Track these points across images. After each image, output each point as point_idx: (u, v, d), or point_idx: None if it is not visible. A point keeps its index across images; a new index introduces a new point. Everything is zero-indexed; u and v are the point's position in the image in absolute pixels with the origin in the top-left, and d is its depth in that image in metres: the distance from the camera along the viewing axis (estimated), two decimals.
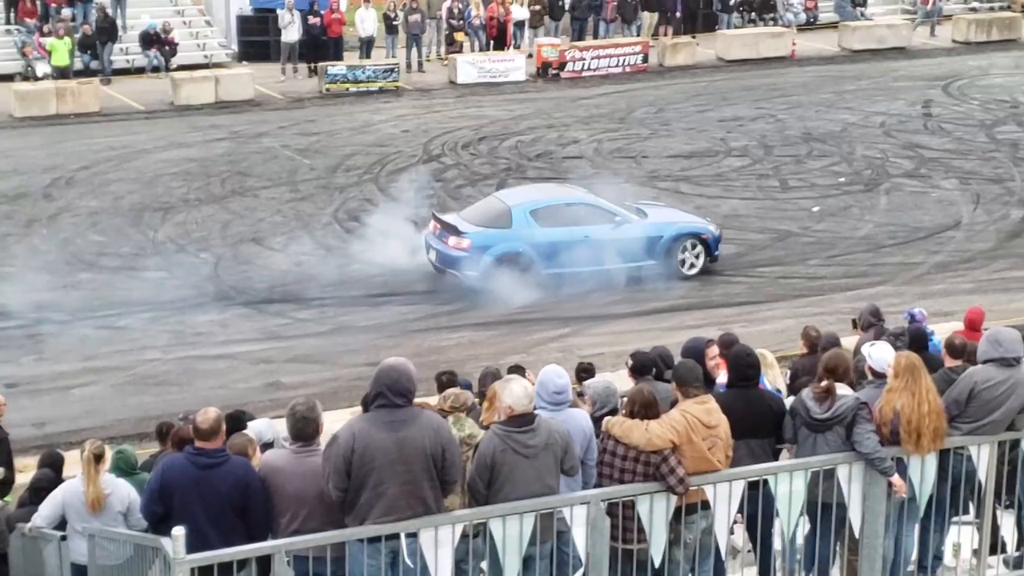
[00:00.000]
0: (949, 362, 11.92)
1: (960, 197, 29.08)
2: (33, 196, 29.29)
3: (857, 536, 10.52)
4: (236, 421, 11.97)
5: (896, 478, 10.35)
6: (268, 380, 20.46)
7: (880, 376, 10.80)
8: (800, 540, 10.79)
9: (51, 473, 13.17)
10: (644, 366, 11.99)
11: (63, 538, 11.69)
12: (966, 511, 11.33)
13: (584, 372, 14.69)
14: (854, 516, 10.45)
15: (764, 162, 31.90)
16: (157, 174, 30.76)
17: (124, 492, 11.54)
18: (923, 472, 10.52)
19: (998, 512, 11.45)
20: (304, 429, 9.68)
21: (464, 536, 9.62)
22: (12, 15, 40.11)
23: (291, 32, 40.28)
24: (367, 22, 41.39)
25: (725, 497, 10.04)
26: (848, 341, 15.15)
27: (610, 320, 22.67)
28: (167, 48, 39.89)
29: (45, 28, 38.59)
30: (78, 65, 38.74)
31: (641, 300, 23.40)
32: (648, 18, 45.41)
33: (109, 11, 40.14)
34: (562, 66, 41.28)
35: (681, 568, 10.08)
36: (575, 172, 30.21)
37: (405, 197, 27.94)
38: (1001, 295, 23.27)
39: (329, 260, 25.26)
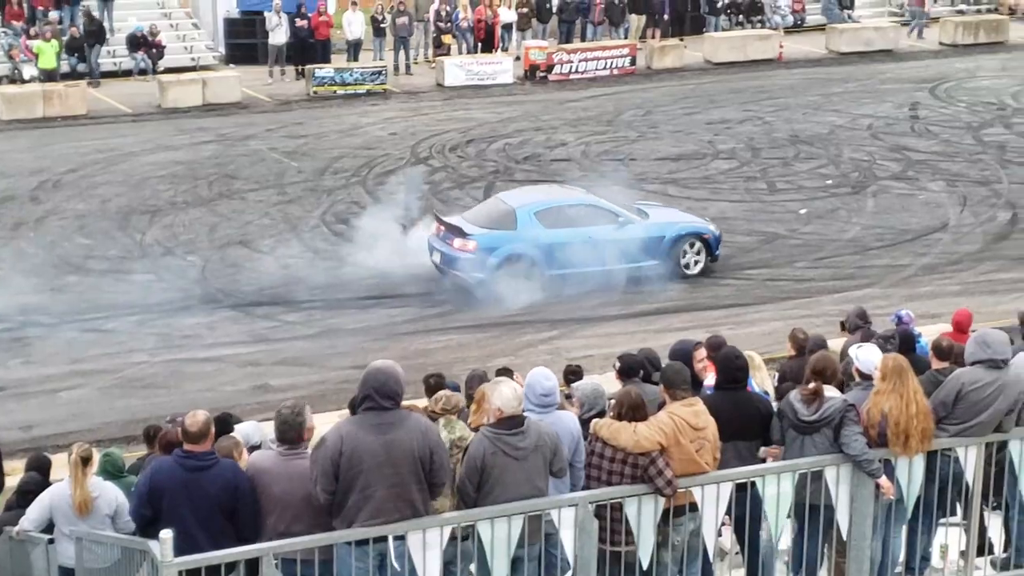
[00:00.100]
0: (936, 364, 11.93)
1: (947, 199, 29.13)
2: (20, 199, 29.24)
3: (845, 538, 10.53)
4: (223, 424, 11.96)
5: (883, 480, 10.37)
6: (256, 383, 20.45)
7: (867, 378, 10.81)
8: (788, 542, 10.81)
9: (38, 476, 13.15)
10: (631, 368, 11.99)
11: (51, 541, 11.65)
12: (953, 513, 11.34)
13: (572, 374, 14.71)
14: (842, 518, 10.46)
15: (752, 164, 31.93)
16: (144, 177, 30.71)
17: (111, 495, 11.50)
18: (910, 474, 10.53)
19: (985, 513, 11.47)
20: (286, 432, 9.68)
21: (453, 538, 9.62)
22: None
23: (278, 35, 40.23)
24: (355, 24, 41.36)
25: (713, 499, 10.04)
26: (836, 343, 15.17)
27: (598, 322, 22.68)
28: (154, 51, 39.83)
29: (32, 31, 38.55)
30: (65, 68, 38.68)
31: (630, 302, 23.41)
32: (636, 21, 45.45)
33: (96, 14, 40.09)
34: (550, 69, 41.29)
35: (669, 570, 10.08)
36: (563, 175, 30.20)
37: (394, 199, 27.92)
38: (988, 297, 23.31)
39: (317, 263, 25.24)
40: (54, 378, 20.63)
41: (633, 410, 9.94)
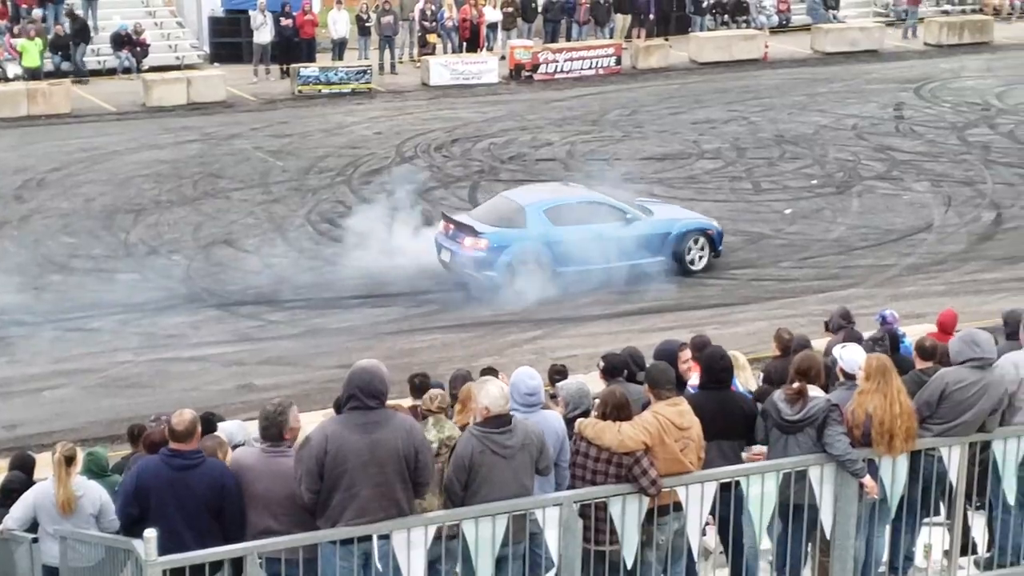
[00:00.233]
0: (920, 364, 11.94)
1: (932, 199, 29.19)
2: (4, 198, 29.16)
3: (828, 537, 10.56)
4: (207, 424, 11.92)
5: (867, 479, 10.38)
6: (240, 382, 20.41)
7: (851, 378, 10.82)
8: (771, 542, 10.83)
9: (22, 475, 13.11)
10: (616, 368, 12.00)
11: (34, 540, 11.62)
12: (937, 512, 11.37)
13: (557, 374, 14.70)
14: (825, 517, 10.48)
15: (737, 164, 31.97)
16: (129, 176, 30.66)
17: (96, 494, 11.48)
18: (894, 473, 10.55)
19: (969, 513, 11.51)
20: (268, 429, 9.69)
21: (438, 538, 9.62)
22: None
23: (263, 33, 40.18)
24: (339, 23, 41.32)
25: (697, 498, 10.06)
26: (820, 343, 15.18)
27: (583, 322, 22.69)
28: (139, 49, 39.76)
29: (16, 29, 38.46)
30: (49, 66, 38.59)
31: (614, 302, 23.43)
32: (621, 20, 45.49)
33: (79, 12, 40.01)
34: (535, 68, 41.30)
35: (653, 569, 10.09)
36: (548, 175, 30.21)
37: (379, 199, 27.89)
38: (973, 297, 23.35)
39: (301, 262, 25.21)
40: (38, 377, 20.57)
41: (618, 409, 9.95)
